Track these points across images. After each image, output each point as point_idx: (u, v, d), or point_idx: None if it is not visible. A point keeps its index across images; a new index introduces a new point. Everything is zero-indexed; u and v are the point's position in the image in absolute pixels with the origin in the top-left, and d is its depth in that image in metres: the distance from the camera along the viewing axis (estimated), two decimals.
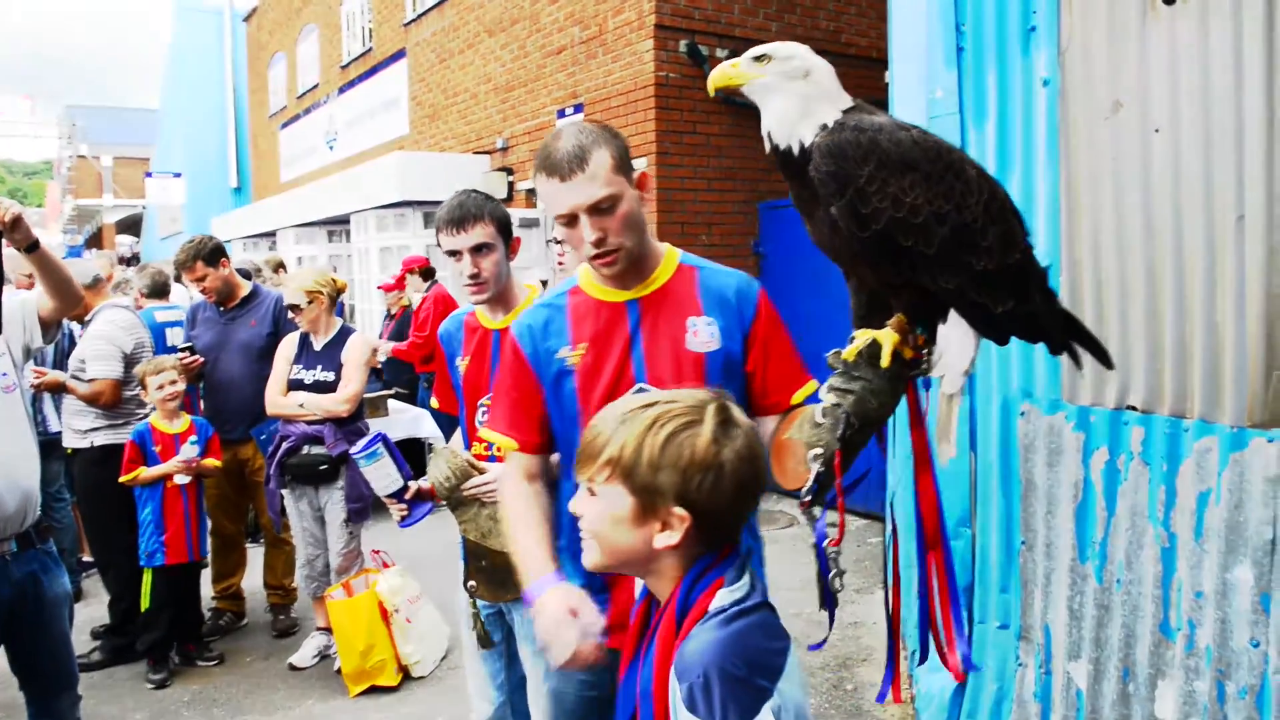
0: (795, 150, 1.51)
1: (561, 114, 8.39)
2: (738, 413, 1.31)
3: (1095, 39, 2.44)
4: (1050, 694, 2.62)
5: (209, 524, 4.59)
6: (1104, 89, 2.42)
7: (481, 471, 2.44)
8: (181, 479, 4.15)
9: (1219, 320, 2.23)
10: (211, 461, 4.29)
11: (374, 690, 4.02)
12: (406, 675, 4.12)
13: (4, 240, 2.73)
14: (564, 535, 1.91)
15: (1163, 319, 2.33)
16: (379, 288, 8.03)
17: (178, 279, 5.26)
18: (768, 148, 1.56)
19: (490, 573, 2.50)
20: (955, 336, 1.54)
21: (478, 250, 2.47)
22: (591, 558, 1.35)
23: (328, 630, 4.39)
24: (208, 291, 4.56)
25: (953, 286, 1.47)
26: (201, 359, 4.58)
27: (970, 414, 2.80)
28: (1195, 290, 2.27)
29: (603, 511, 1.30)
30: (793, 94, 1.52)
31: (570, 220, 1.79)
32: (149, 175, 21.08)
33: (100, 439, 4.28)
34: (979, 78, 2.73)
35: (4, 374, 2.76)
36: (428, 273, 7.30)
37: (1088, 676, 2.52)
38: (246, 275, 5.36)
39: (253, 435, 4.55)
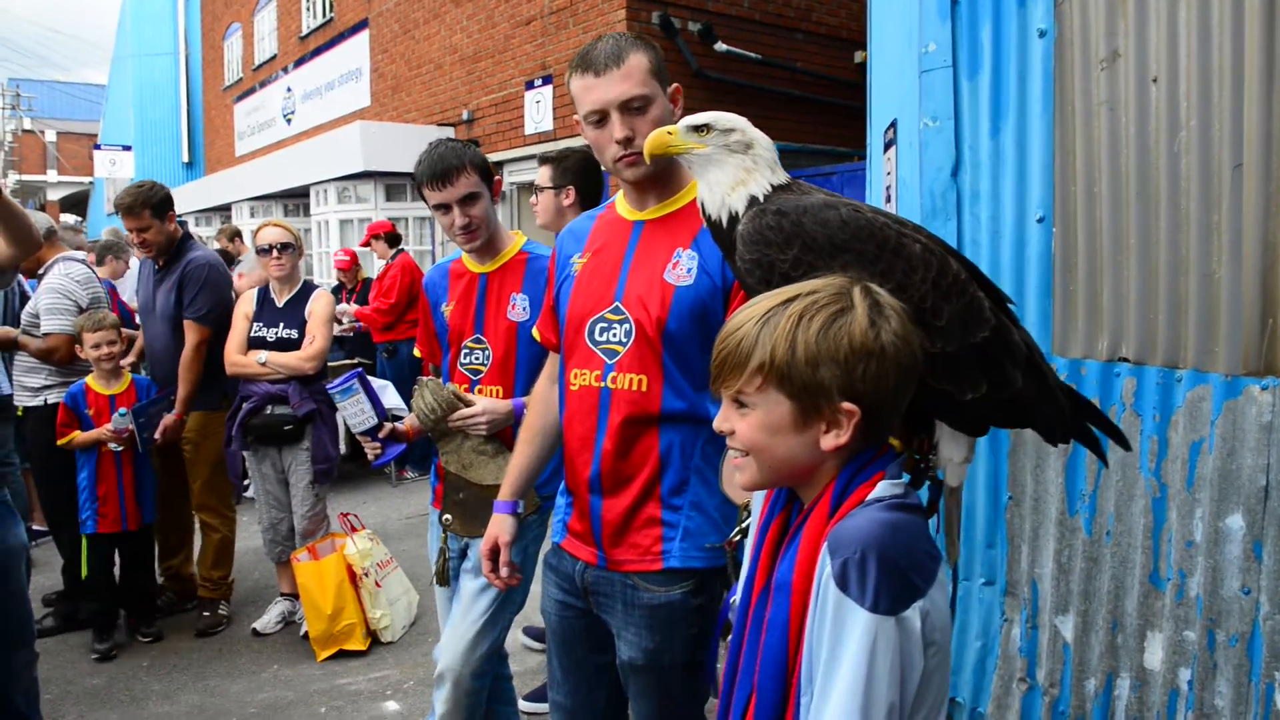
0: (724, 222, 1.45)
1: (530, 85, 8.29)
2: (883, 293, 1.22)
3: None
4: (1036, 648, 2.62)
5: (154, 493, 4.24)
6: (1101, 39, 2.40)
7: (468, 404, 2.42)
8: (115, 446, 3.94)
9: (1214, 270, 2.23)
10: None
11: (341, 655, 3.94)
12: (375, 640, 4.04)
13: None
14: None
15: (1157, 270, 2.32)
16: (336, 265, 7.88)
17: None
18: (702, 215, 1.52)
19: (466, 506, 2.51)
20: (945, 429, 1.45)
21: (466, 200, 2.46)
22: (749, 476, 1.24)
23: (292, 596, 4.30)
24: (147, 245, 4.14)
25: None
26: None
27: None
28: (1190, 240, 2.26)
29: (758, 423, 1.19)
30: (730, 166, 1.46)
31: (600, 119, 1.79)
32: (98, 148, 20.49)
33: (53, 397, 4.13)
34: (973, 31, 2.70)
35: None
36: (394, 238, 7.18)
37: (1075, 629, 2.52)
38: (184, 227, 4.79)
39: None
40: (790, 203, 1.39)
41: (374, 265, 8.12)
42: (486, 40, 8.95)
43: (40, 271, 4.28)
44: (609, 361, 1.84)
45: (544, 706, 3.41)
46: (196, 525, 4.56)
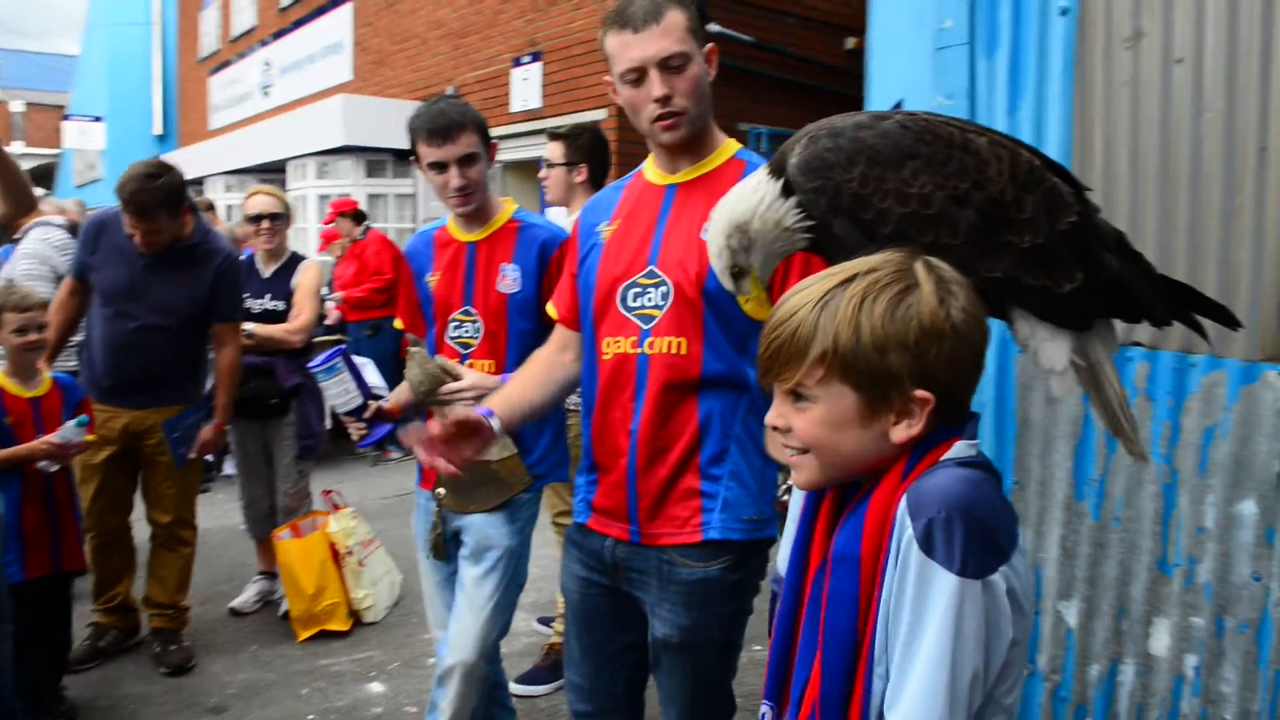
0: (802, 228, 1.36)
1: (517, 62, 8.18)
2: (945, 266, 1.13)
3: None
4: (1038, 634, 2.60)
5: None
6: (1125, 18, 2.37)
7: (457, 377, 2.34)
8: (49, 466, 3.02)
9: (1233, 254, 2.21)
10: (89, 436, 3.15)
11: (323, 635, 3.85)
12: (357, 621, 3.96)
13: None
14: (584, 411, 1.96)
15: (1175, 254, 2.30)
16: (321, 235, 7.76)
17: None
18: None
19: (458, 480, 2.43)
20: (1041, 335, 1.38)
21: (465, 161, 2.38)
22: (807, 475, 1.15)
23: (270, 575, 4.21)
24: (151, 242, 3.36)
25: (999, 274, 1.30)
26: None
27: None
28: (1211, 224, 2.24)
29: (820, 418, 1.10)
30: (773, 242, 1.39)
31: (637, 78, 1.74)
32: (67, 118, 20.05)
33: None
34: (993, 7, 2.66)
35: None
36: (359, 216, 7.10)
37: (1079, 615, 2.50)
38: (193, 209, 4.10)
39: (163, 429, 3.50)
40: (839, 123, 1.32)
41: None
42: (474, 15, 8.82)
43: (16, 236, 4.15)
44: (645, 327, 1.78)
45: (537, 689, 3.35)
46: (146, 542, 3.74)
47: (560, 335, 2.06)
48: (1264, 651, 2.15)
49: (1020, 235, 1.27)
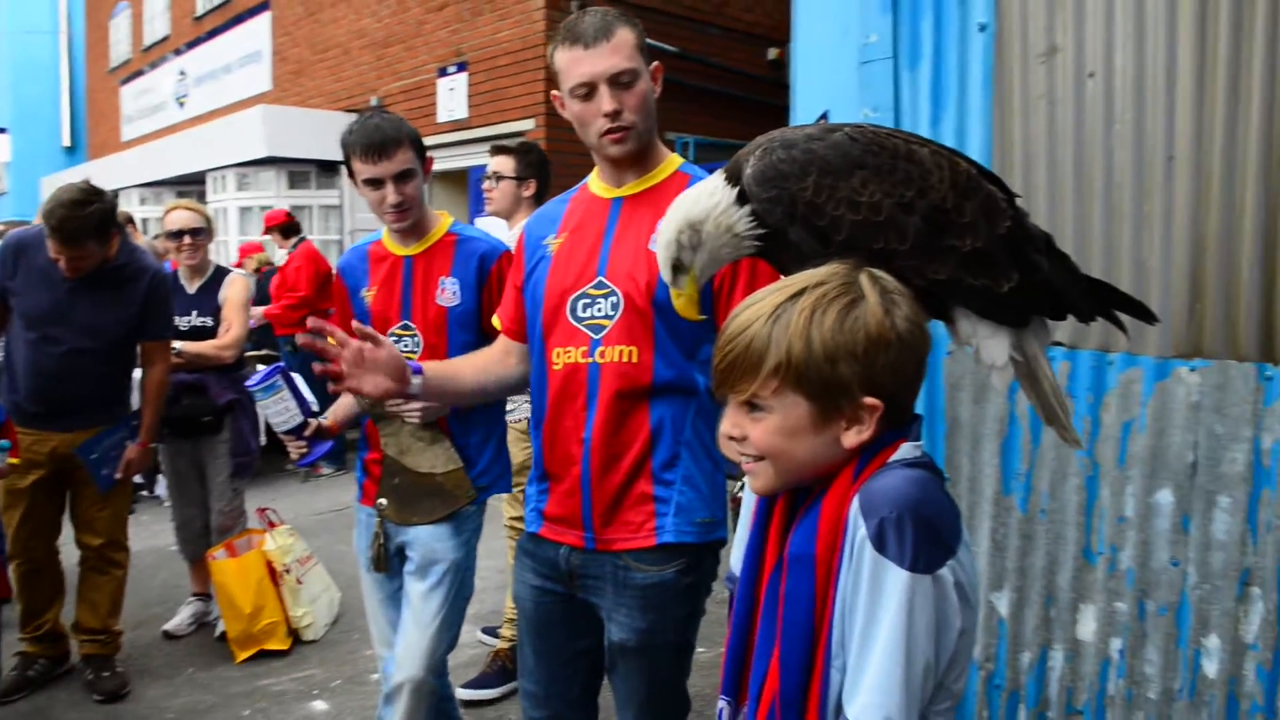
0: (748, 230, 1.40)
1: (443, 73, 8.15)
2: (887, 276, 1.19)
3: None
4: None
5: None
6: (1040, 34, 2.49)
7: None
8: None
9: (1145, 258, 2.33)
10: (11, 460, 3.00)
11: (262, 655, 3.79)
12: (296, 639, 3.90)
13: None
14: (533, 422, 1.99)
15: (1091, 258, 2.42)
16: (239, 249, 7.62)
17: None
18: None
19: (401, 492, 2.47)
20: (983, 332, 1.43)
21: (401, 177, 2.37)
22: (764, 482, 1.20)
23: (205, 596, 4.13)
24: (77, 269, 3.28)
25: (944, 277, 1.36)
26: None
27: None
28: (1124, 229, 2.36)
29: (776, 427, 1.15)
30: (722, 245, 1.42)
31: (588, 93, 1.78)
32: None
33: None
34: (915, 23, 2.76)
35: None
36: (290, 229, 6.98)
37: (1010, 605, 2.60)
38: (119, 228, 3.89)
39: (78, 453, 3.40)
40: (790, 135, 1.37)
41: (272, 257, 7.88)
42: (397, 25, 8.75)
43: None
44: (595, 337, 1.82)
45: (484, 693, 3.36)
46: (75, 566, 3.64)
47: (504, 341, 2.10)
48: (1183, 633, 2.28)
49: (962, 239, 1.33)
